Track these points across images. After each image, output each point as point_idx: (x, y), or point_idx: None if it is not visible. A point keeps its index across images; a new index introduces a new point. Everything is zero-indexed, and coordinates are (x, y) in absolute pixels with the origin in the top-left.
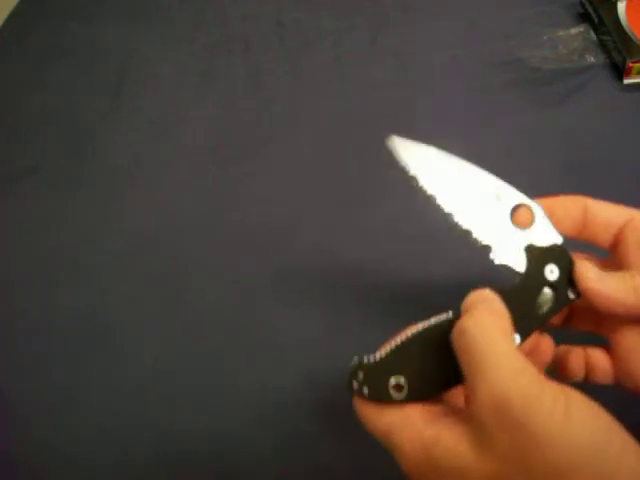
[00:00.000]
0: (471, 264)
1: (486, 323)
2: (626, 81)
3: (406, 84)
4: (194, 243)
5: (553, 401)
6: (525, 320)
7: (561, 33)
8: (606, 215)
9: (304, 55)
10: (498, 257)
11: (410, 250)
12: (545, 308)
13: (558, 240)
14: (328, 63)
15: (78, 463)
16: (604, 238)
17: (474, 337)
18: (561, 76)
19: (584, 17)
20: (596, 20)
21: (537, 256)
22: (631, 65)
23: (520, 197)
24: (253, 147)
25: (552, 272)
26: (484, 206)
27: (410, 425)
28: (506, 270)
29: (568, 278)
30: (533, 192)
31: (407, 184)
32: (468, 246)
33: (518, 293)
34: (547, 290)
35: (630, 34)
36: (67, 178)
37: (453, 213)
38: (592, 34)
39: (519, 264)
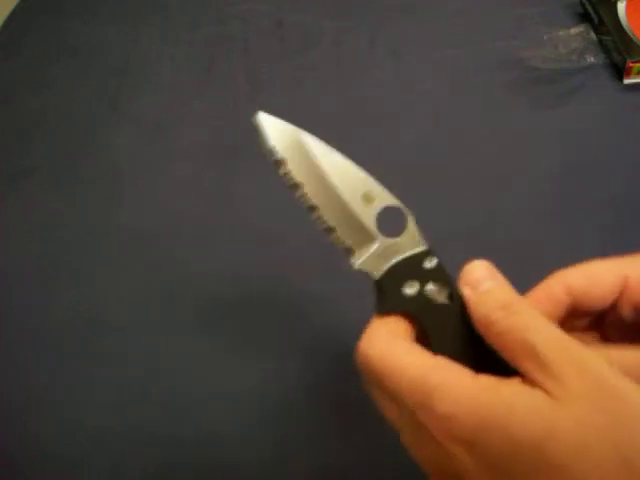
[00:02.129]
0: None
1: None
2: (626, 81)
3: (406, 84)
4: (194, 243)
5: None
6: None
7: (561, 33)
8: (595, 291)
9: (304, 55)
10: (358, 262)
11: None
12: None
13: (423, 248)
14: (328, 63)
15: (76, 464)
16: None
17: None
18: (561, 76)
19: (584, 17)
20: (596, 20)
21: (398, 266)
22: (631, 65)
23: (391, 200)
24: (253, 147)
25: (411, 287)
26: (351, 205)
27: (457, 370)
28: (364, 276)
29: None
30: (533, 192)
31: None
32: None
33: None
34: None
35: (630, 34)
36: (67, 178)
37: (318, 206)
38: (592, 34)
39: (378, 271)
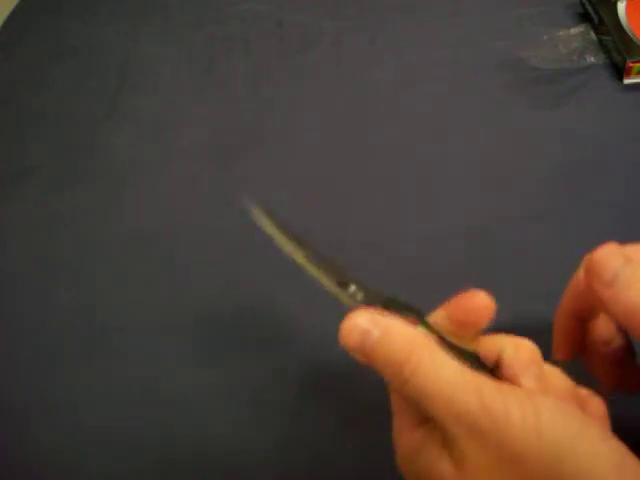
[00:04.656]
0: None
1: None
2: (626, 81)
3: (406, 84)
4: (194, 243)
5: (520, 411)
6: None
7: (561, 33)
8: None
9: (304, 55)
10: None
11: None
12: None
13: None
14: (328, 63)
15: (77, 464)
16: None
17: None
18: (561, 76)
19: (584, 17)
20: (596, 20)
21: None
22: (631, 65)
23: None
24: (253, 147)
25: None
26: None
27: (405, 422)
28: None
29: None
30: (533, 192)
31: None
32: None
33: None
34: None
35: (630, 34)
36: (67, 178)
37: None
38: (592, 34)
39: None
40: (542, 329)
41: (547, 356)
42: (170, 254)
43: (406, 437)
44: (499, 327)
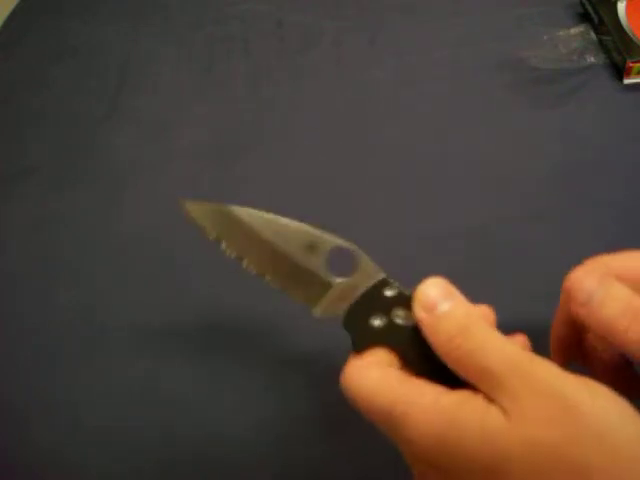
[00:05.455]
0: None
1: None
2: (626, 81)
3: (406, 84)
4: (194, 243)
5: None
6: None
7: (561, 33)
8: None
9: (304, 55)
10: (318, 312)
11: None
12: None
13: (379, 279)
14: (328, 63)
15: (76, 464)
16: None
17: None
18: (561, 76)
19: (584, 17)
20: (596, 20)
21: (358, 303)
22: (631, 65)
23: (334, 241)
24: (253, 147)
25: (377, 318)
26: (297, 260)
27: (421, 395)
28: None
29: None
30: (533, 192)
31: None
32: None
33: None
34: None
35: (630, 34)
36: (67, 178)
37: (265, 273)
38: (592, 34)
39: (341, 313)
40: (542, 329)
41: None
42: (170, 254)
43: (434, 399)
44: (499, 327)
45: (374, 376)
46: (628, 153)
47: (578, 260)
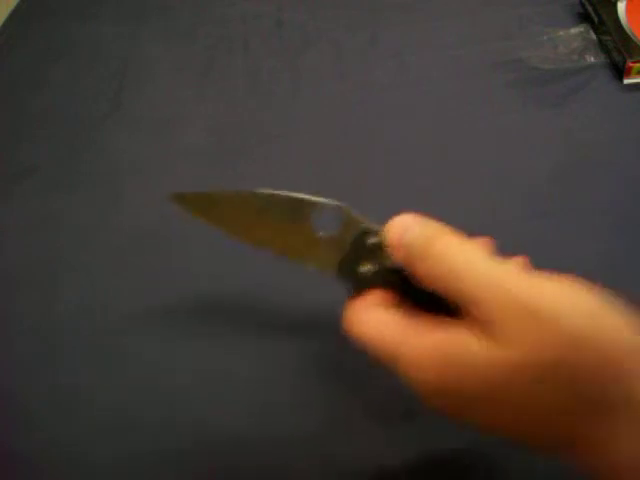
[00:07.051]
0: None
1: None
2: (626, 81)
3: (406, 84)
4: (194, 242)
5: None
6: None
7: (561, 33)
8: None
9: (304, 55)
10: (310, 267)
11: None
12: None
13: (361, 230)
14: (328, 63)
15: (79, 461)
16: None
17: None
18: (561, 76)
19: (584, 17)
20: (596, 20)
21: (346, 256)
22: (631, 65)
23: (316, 201)
24: (253, 147)
25: (365, 265)
26: (283, 226)
27: (415, 335)
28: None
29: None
30: (533, 192)
31: None
32: None
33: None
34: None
35: (630, 34)
36: (67, 178)
37: (262, 243)
38: (592, 34)
39: (333, 267)
40: None
41: None
42: (170, 254)
43: (428, 339)
44: None
45: (377, 316)
46: (628, 153)
47: (578, 260)
